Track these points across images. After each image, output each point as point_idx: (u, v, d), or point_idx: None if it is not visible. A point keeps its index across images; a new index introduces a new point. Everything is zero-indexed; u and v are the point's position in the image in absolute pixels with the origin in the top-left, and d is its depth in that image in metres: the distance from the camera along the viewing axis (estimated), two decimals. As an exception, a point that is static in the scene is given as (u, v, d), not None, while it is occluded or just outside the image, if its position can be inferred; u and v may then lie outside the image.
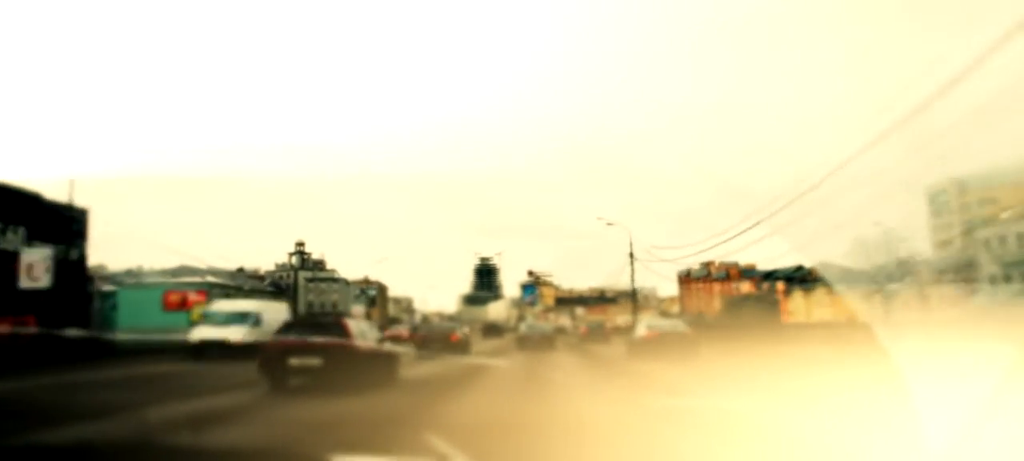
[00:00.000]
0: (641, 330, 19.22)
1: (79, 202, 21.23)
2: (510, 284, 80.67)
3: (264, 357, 10.57)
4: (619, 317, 56.49)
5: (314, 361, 10.05)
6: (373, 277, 74.14)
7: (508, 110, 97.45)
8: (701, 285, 68.26)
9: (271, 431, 6.87)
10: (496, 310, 75.92)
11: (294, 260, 75.35)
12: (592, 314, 64.23)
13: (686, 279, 68.68)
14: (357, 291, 73.94)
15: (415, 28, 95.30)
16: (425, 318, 69.69)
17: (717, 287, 67.63)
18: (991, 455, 2.48)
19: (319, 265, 73.52)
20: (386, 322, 59.75)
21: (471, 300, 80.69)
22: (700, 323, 37.17)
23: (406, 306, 78.93)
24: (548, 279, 72.37)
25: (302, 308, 68.54)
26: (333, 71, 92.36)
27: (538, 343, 24.38)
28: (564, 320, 62.83)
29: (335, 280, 72.65)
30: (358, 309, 67.95)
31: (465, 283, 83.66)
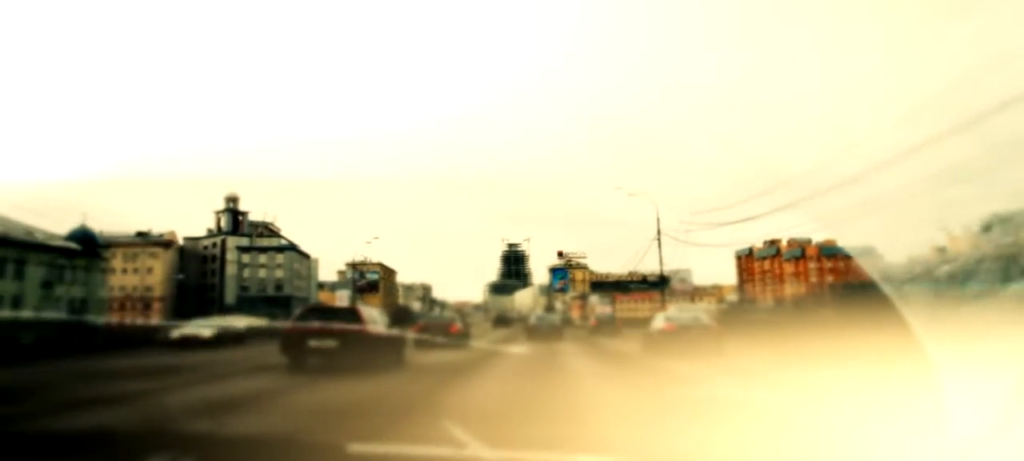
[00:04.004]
0: (659, 322, 20.14)
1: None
2: (540, 271, 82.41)
3: (286, 339, 13.75)
4: (670, 305, 56.90)
5: (330, 343, 13.06)
6: (375, 259, 75.50)
7: (534, 97, 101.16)
8: (767, 266, 68.57)
9: (289, 419, 8.20)
10: (523, 298, 77.53)
11: (223, 221, 67.63)
12: (636, 300, 65.15)
13: (748, 259, 69.07)
14: (356, 275, 75.17)
15: (438, 18, 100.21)
16: (440, 307, 71.39)
17: (789, 268, 67.80)
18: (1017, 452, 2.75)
19: (263, 230, 66.93)
20: (396, 311, 60.62)
21: (498, 288, 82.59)
22: (802, 310, 35.88)
23: (424, 295, 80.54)
24: (581, 261, 73.41)
25: (234, 291, 63.11)
26: (348, 64, 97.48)
27: (547, 334, 29.34)
28: (604, 308, 63.72)
29: (281, 249, 65.96)
30: (342, 293, 65.41)
31: (492, 271, 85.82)
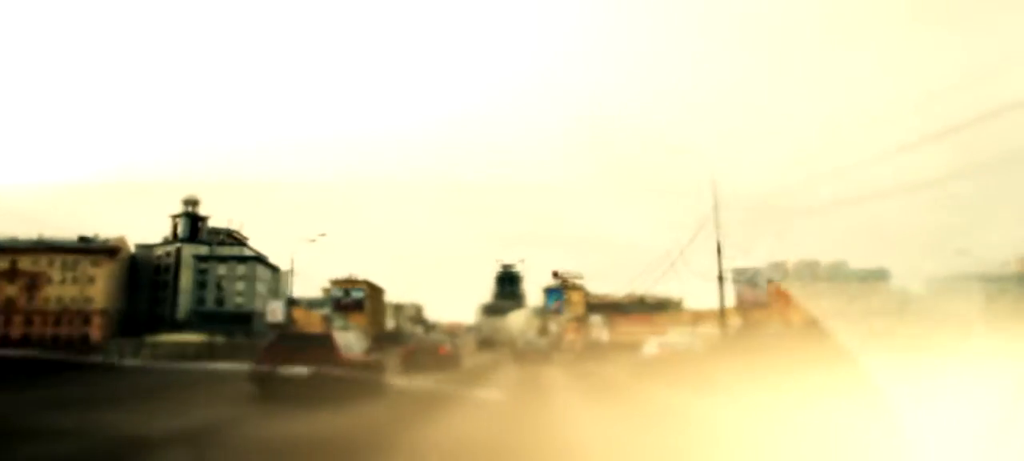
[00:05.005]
0: (651, 348, 20.20)
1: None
2: (535, 293, 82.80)
3: (256, 368, 13.62)
4: (672, 328, 55.80)
5: (302, 372, 12.94)
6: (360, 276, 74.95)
7: (529, 115, 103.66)
8: (773, 289, 68.34)
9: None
10: (516, 320, 77.40)
11: (180, 227, 63.75)
12: (635, 323, 64.88)
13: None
14: (338, 292, 74.17)
15: (433, 29, 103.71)
16: (430, 328, 71.19)
17: (797, 289, 67.45)
18: None
19: (225, 237, 63.75)
20: (382, 335, 58.30)
21: (491, 309, 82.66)
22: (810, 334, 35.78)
23: (415, 315, 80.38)
24: (577, 281, 73.28)
25: (188, 302, 59.99)
26: (340, 69, 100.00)
27: (533, 358, 31.25)
28: (599, 332, 63.45)
29: (244, 260, 62.43)
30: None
31: (486, 292, 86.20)
